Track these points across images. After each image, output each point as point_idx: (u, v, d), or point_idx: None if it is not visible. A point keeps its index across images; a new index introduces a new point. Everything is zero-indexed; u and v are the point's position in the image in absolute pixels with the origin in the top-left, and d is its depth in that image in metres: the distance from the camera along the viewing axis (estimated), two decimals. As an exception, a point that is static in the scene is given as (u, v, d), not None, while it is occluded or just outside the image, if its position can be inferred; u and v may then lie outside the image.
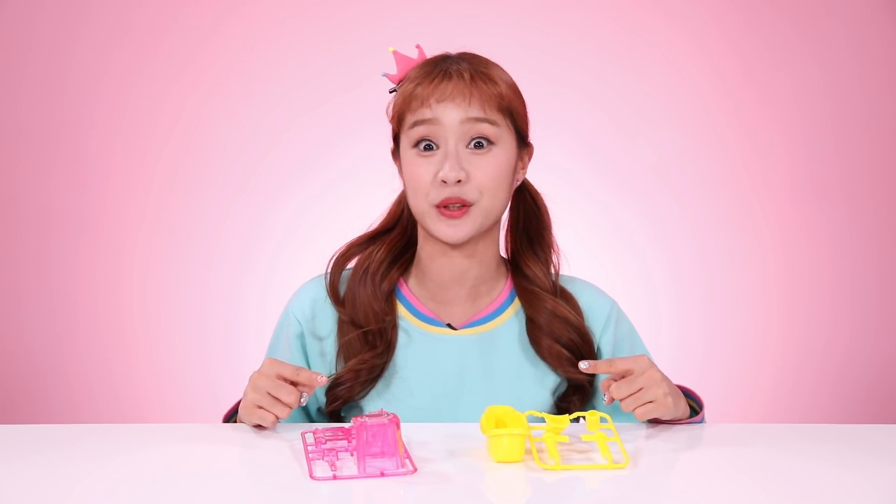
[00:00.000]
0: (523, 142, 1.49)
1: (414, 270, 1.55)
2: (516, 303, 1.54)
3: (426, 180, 1.42)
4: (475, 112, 1.41)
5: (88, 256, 2.84)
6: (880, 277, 2.83)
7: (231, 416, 1.48)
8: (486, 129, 1.42)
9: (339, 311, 1.52)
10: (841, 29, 2.77)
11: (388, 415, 1.23)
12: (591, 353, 1.52)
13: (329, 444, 1.28)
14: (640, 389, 1.34)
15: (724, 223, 2.84)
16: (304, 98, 2.80)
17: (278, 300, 1.62)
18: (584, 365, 1.36)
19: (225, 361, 2.82)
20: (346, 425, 1.36)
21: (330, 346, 1.52)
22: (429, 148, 1.43)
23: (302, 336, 1.53)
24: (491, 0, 2.80)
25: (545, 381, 1.51)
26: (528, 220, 1.56)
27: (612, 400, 1.37)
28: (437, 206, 1.43)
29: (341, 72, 2.77)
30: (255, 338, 2.71)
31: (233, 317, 2.86)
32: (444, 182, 1.41)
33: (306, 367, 1.52)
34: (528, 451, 1.27)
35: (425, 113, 1.41)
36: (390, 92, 1.49)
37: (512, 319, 1.54)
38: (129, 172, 2.83)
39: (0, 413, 2.78)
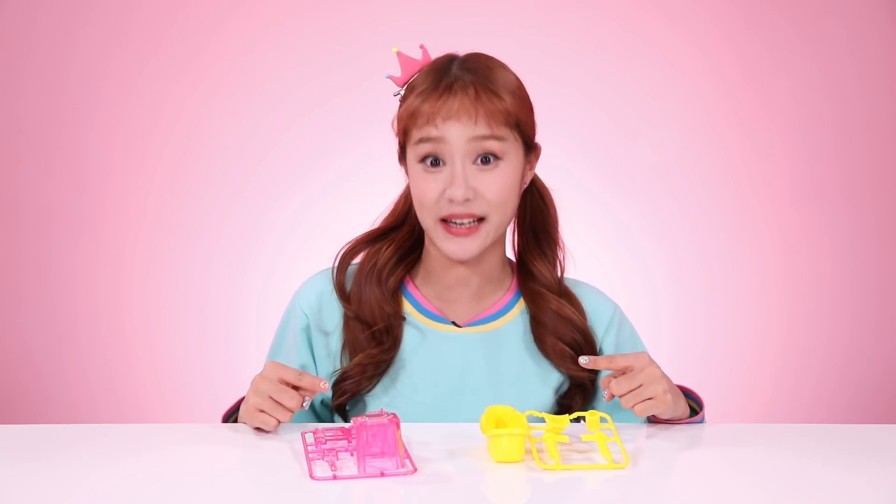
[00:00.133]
0: (530, 147, 1.49)
1: (420, 269, 1.55)
2: (521, 302, 1.55)
3: (433, 197, 1.43)
4: (481, 130, 1.40)
5: (88, 256, 2.84)
6: (880, 277, 2.83)
7: (230, 416, 1.48)
8: (493, 145, 1.41)
9: (345, 308, 1.52)
10: (841, 29, 2.77)
11: (388, 415, 1.23)
12: (593, 353, 1.52)
13: (329, 444, 1.28)
14: (640, 386, 1.35)
15: (724, 223, 2.84)
16: (304, 98, 2.80)
17: (278, 300, 1.62)
18: (584, 360, 1.37)
19: (225, 361, 2.82)
20: (346, 425, 1.36)
21: (336, 340, 1.53)
22: (435, 163, 1.43)
23: (308, 329, 1.54)
24: (491, 0, 2.79)
25: (548, 380, 1.52)
26: (535, 216, 1.56)
27: (612, 396, 1.37)
28: (444, 221, 1.43)
29: (341, 72, 2.77)
30: (255, 338, 2.71)
31: (233, 317, 2.86)
32: (452, 201, 1.41)
33: (311, 361, 1.53)
34: (528, 451, 1.27)
35: (431, 131, 1.41)
36: (395, 95, 1.48)
37: (517, 318, 1.54)
38: (129, 172, 2.83)
39: None
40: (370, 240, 1.55)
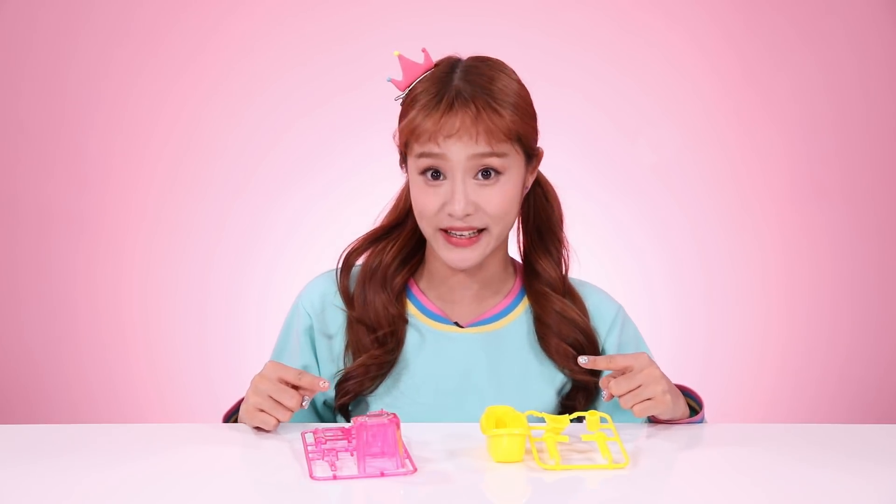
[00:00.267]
0: (532, 155, 1.48)
1: (424, 271, 1.56)
2: (524, 302, 1.55)
3: (433, 209, 1.43)
4: (482, 148, 1.40)
5: (88, 256, 2.83)
6: (880, 277, 2.83)
7: (231, 416, 1.48)
8: (494, 161, 1.41)
9: (348, 311, 1.52)
10: (841, 29, 2.77)
11: (388, 415, 1.23)
12: (595, 353, 1.52)
13: (329, 444, 1.28)
14: (639, 386, 1.35)
15: (724, 223, 2.84)
16: (304, 98, 2.80)
17: (278, 300, 1.62)
18: (583, 360, 1.37)
19: (225, 361, 2.82)
20: (346, 425, 1.36)
21: (339, 342, 1.53)
22: (436, 176, 1.43)
23: (311, 330, 1.54)
24: (491, 0, 2.79)
25: (552, 380, 1.52)
26: (540, 215, 1.56)
27: (611, 397, 1.37)
28: (444, 231, 1.44)
29: (342, 72, 2.77)
30: (255, 338, 2.72)
31: (233, 317, 2.86)
32: (451, 215, 1.42)
33: (313, 362, 1.53)
34: (528, 451, 1.27)
35: (433, 148, 1.41)
36: (395, 99, 1.47)
37: (520, 319, 1.54)
38: (129, 172, 2.83)
39: (-1, 413, 2.79)
40: (373, 239, 1.55)
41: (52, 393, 2.84)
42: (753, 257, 2.85)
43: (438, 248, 1.46)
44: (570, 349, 1.50)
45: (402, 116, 1.45)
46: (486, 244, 1.45)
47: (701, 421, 1.46)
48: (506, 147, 1.41)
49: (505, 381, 1.51)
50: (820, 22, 2.77)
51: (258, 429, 1.38)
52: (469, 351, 1.52)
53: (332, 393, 1.52)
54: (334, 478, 1.20)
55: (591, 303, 1.56)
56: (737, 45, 2.79)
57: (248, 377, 1.38)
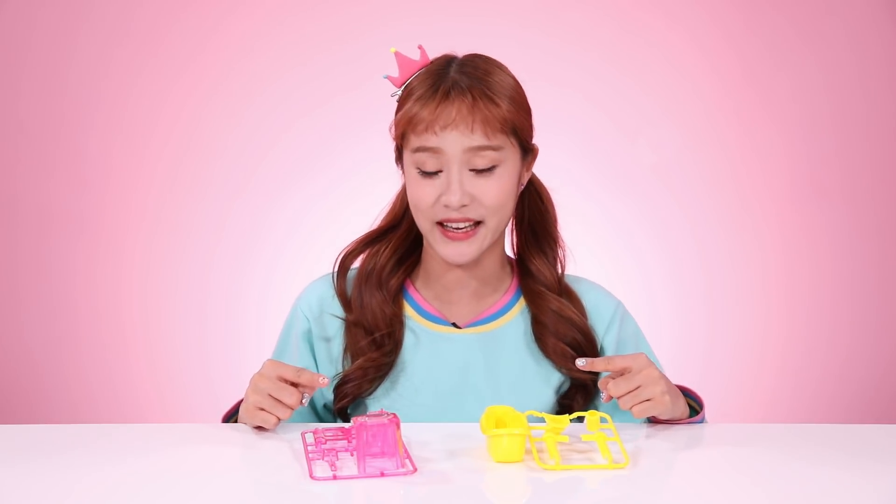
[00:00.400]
0: (527, 150, 1.48)
1: (420, 271, 1.56)
2: (521, 302, 1.55)
3: (428, 202, 1.43)
4: (478, 140, 1.40)
5: (88, 256, 2.84)
6: (880, 277, 2.83)
7: (230, 417, 1.48)
8: (490, 154, 1.42)
9: (346, 314, 1.52)
10: (841, 29, 2.77)
11: (388, 415, 1.23)
12: (594, 353, 1.52)
13: (329, 444, 1.28)
14: (638, 387, 1.35)
15: (724, 223, 2.84)
16: (304, 98, 2.80)
17: (278, 300, 1.62)
18: (580, 363, 1.37)
19: (225, 361, 2.82)
20: (346, 425, 1.36)
21: (337, 345, 1.53)
22: (432, 173, 1.43)
23: (309, 333, 1.54)
24: (491, 0, 2.79)
25: (549, 380, 1.51)
26: (534, 215, 1.56)
27: (611, 398, 1.37)
28: (441, 225, 1.44)
29: (342, 72, 2.77)
30: (255, 338, 2.72)
31: (233, 317, 2.86)
32: (447, 206, 1.42)
33: (312, 366, 1.53)
34: (528, 451, 1.27)
35: (430, 140, 1.41)
36: (392, 96, 1.48)
37: (517, 318, 1.54)
38: (129, 172, 2.83)
39: (-1, 413, 2.79)
40: (369, 241, 1.55)
41: (52, 393, 2.84)
42: (753, 257, 2.85)
43: (435, 243, 1.46)
44: (568, 349, 1.50)
45: (399, 110, 1.46)
46: (482, 238, 1.45)
47: (701, 421, 1.46)
48: (501, 139, 1.42)
49: (502, 381, 1.51)
50: (820, 22, 2.77)
51: (258, 428, 1.38)
52: (466, 351, 1.51)
53: (331, 395, 1.52)
54: (334, 478, 1.20)
55: (587, 300, 1.56)
56: (737, 45, 2.79)
57: (248, 377, 1.38)
